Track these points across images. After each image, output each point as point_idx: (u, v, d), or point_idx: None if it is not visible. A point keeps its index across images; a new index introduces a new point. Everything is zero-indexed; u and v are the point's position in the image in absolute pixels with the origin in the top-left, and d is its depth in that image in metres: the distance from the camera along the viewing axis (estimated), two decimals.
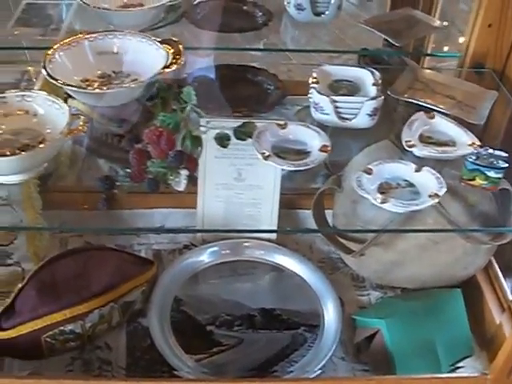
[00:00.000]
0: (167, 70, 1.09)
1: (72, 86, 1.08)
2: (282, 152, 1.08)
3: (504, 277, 1.18)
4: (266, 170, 1.19)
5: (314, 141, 1.09)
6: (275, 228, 1.26)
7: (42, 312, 1.05)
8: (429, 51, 1.55)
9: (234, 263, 1.24)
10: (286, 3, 1.43)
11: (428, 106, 1.17)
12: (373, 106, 1.14)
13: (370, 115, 1.15)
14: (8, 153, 1.01)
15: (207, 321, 1.14)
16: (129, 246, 1.27)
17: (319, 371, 1.07)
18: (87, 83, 1.13)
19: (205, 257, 1.23)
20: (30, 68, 1.43)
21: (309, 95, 1.18)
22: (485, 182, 1.01)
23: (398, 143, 1.14)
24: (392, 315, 1.11)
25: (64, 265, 1.12)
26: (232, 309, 1.16)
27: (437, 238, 1.10)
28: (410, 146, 1.07)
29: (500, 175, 1.00)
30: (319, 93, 1.15)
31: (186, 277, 1.21)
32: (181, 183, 0.99)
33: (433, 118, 1.14)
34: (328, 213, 1.18)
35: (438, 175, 1.02)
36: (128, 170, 0.99)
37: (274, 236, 1.26)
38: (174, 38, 1.16)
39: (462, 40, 1.31)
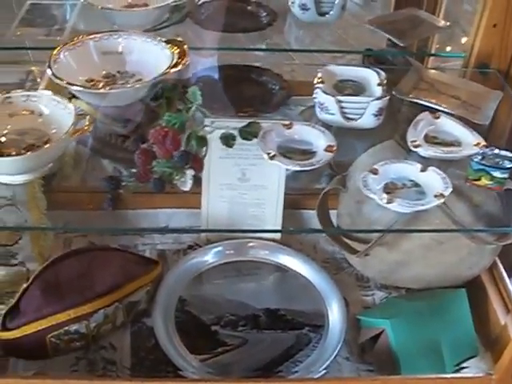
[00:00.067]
0: (172, 70, 1.09)
1: (76, 85, 1.09)
2: (287, 152, 1.08)
3: (509, 277, 1.18)
4: (270, 170, 1.19)
5: (319, 141, 1.09)
6: (279, 228, 1.25)
7: (46, 312, 1.05)
8: (433, 51, 1.55)
9: (238, 263, 1.24)
10: (290, 3, 1.43)
11: (433, 106, 1.17)
12: (378, 106, 1.14)
13: (375, 115, 1.15)
14: (13, 153, 1.01)
15: (212, 321, 1.14)
16: (133, 246, 1.27)
17: (324, 371, 1.07)
18: (92, 83, 1.13)
19: (209, 257, 1.23)
20: (33, 68, 1.43)
21: (314, 95, 1.18)
22: (490, 182, 1.01)
23: (402, 143, 1.14)
24: (397, 315, 1.10)
25: (68, 265, 1.12)
26: (236, 309, 1.16)
27: (441, 238, 1.10)
28: (416, 146, 1.07)
29: (506, 175, 1.01)
30: (324, 93, 1.15)
31: (191, 277, 1.21)
32: (186, 183, 0.99)
33: (438, 118, 1.14)
34: (332, 213, 1.18)
35: (444, 175, 1.02)
36: (134, 170, 0.98)
37: (278, 236, 1.26)
38: (178, 38, 1.16)
39: (466, 40, 1.31)
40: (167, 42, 1.16)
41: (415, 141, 1.08)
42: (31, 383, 1.03)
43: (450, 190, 1.00)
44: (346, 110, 1.15)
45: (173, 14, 1.35)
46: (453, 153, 1.08)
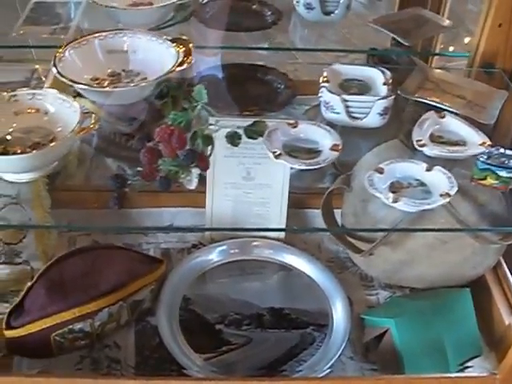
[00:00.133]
0: (178, 69, 1.09)
1: (82, 84, 1.08)
2: (293, 151, 1.08)
3: None
4: (274, 169, 1.20)
5: (325, 140, 1.09)
6: (284, 227, 1.25)
7: (51, 310, 1.05)
8: (437, 51, 1.55)
9: (242, 262, 1.24)
10: (295, 2, 1.43)
11: (438, 105, 1.17)
12: (384, 106, 1.14)
13: (380, 114, 1.15)
14: (19, 151, 1.01)
15: (216, 320, 1.14)
16: (137, 244, 1.27)
17: (328, 370, 1.07)
18: (97, 82, 1.13)
19: (213, 256, 1.23)
20: (37, 66, 1.43)
21: (319, 94, 1.18)
22: (496, 182, 1.01)
23: (407, 143, 1.14)
24: (401, 315, 1.10)
25: (73, 263, 1.12)
26: (241, 308, 1.16)
27: (445, 238, 1.10)
28: (421, 146, 1.07)
29: (511, 175, 1.00)
30: (330, 92, 1.15)
31: (195, 276, 1.20)
32: (192, 182, 0.99)
33: (443, 117, 1.14)
34: (336, 212, 1.18)
35: (450, 174, 1.02)
36: (139, 169, 0.98)
37: (282, 235, 1.26)
38: (184, 37, 1.16)
39: (471, 40, 1.31)
40: (172, 40, 1.16)
41: (421, 140, 1.08)
42: (35, 382, 1.03)
43: (456, 189, 1.00)
44: (351, 109, 1.15)
45: (177, 13, 1.36)
46: (458, 152, 1.08)
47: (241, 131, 1.05)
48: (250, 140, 1.08)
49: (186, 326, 1.13)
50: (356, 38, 1.58)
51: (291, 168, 1.16)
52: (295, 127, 1.11)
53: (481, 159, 1.01)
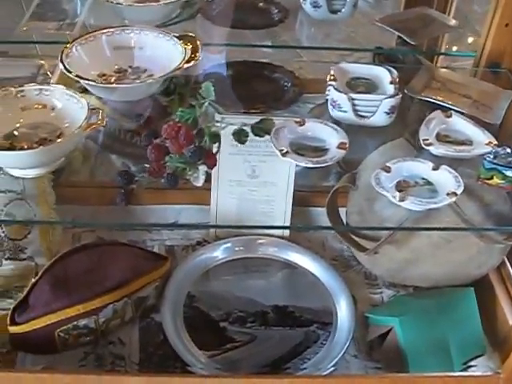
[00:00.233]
0: (186, 66, 1.09)
1: (89, 80, 1.08)
2: (300, 149, 1.08)
3: None
4: (279, 167, 1.20)
5: (332, 138, 1.09)
6: (288, 225, 1.25)
7: (55, 307, 1.05)
8: (442, 50, 1.55)
9: (246, 260, 1.24)
10: (301, 0, 1.43)
11: (445, 104, 1.17)
12: (390, 104, 1.14)
13: (387, 113, 1.15)
14: (25, 146, 1.01)
15: (220, 317, 1.15)
16: (141, 241, 1.27)
17: (332, 368, 1.07)
18: (104, 78, 1.13)
19: (218, 253, 1.23)
20: (41, 62, 1.42)
21: (326, 92, 1.18)
22: (502, 182, 1.01)
23: (412, 141, 1.14)
24: (405, 313, 1.11)
25: (77, 260, 1.12)
26: (245, 305, 1.17)
27: (450, 237, 1.10)
28: (428, 145, 1.07)
29: None
30: (337, 90, 1.15)
31: (199, 273, 1.21)
32: (199, 179, 0.99)
33: (450, 116, 1.14)
34: (341, 210, 1.18)
35: (456, 174, 1.02)
36: (146, 165, 0.98)
37: (286, 233, 1.26)
38: (191, 34, 1.16)
39: (477, 40, 1.31)
40: (179, 37, 1.16)
41: (427, 139, 1.08)
42: (39, 377, 1.03)
43: (462, 188, 1.00)
44: (358, 108, 1.15)
45: (184, 10, 1.35)
46: (464, 151, 1.08)
47: (247, 129, 1.05)
48: (255, 138, 1.08)
49: (190, 323, 1.13)
50: (361, 37, 1.58)
51: (296, 166, 1.16)
52: (302, 125, 1.11)
53: (487, 159, 1.01)
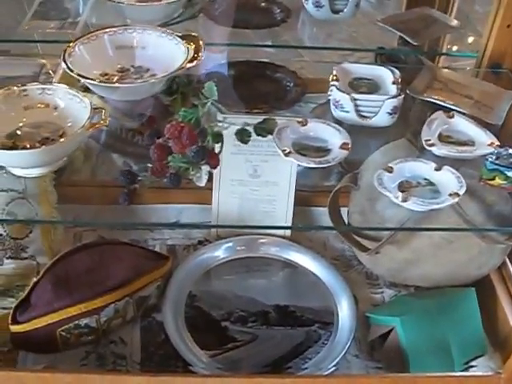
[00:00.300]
0: (188, 65, 1.09)
1: (90, 79, 1.08)
2: (302, 149, 1.08)
3: None
4: (281, 166, 1.20)
5: (334, 138, 1.09)
6: (290, 225, 1.25)
7: (57, 306, 1.04)
8: (444, 51, 1.55)
9: (248, 259, 1.24)
10: (304, 0, 1.43)
11: (446, 105, 1.18)
12: (393, 105, 1.14)
13: (390, 114, 1.15)
14: (28, 146, 1.01)
15: (222, 316, 1.14)
16: (143, 241, 1.27)
17: (333, 368, 1.07)
18: (106, 77, 1.13)
19: (220, 253, 1.23)
20: (43, 61, 1.42)
21: (329, 92, 1.18)
22: (504, 182, 1.02)
23: (414, 142, 1.15)
24: (406, 313, 1.11)
25: (79, 259, 1.12)
26: (246, 305, 1.16)
27: (451, 237, 1.11)
28: (430, 145, 1.08)
29: None
30: (340, 90, 1.15)
31: (201, 272, 1.20)
32: (202, 179, 0.99)
33: (452, 117, 1.14)
34: (343, 210, 1.19)
35: (458, 174, 1.02)
36: (149, 165, 0.98)
37: (288, 233, 1.26)
38: (194, 34, 1.16)
39: (478, 40, 1.31)
40: (182, 37, 1.16)
41: (429, 140, 1.09)
42: (41, 377, 1.02)
43: (465, 189, 1.00)
44: (360, 108, 1.15)
45: (186, 9, 1.35)
46: (467, 152, 1.08)
47: (250, 128, 1.05)
48: (257, 137, 1.08)
49: (191, 322, 1.13)
50: (363, 37, 1.58)
51: (298, 166, 1.16)
52: (305, 125, 1.11)
53: (489, 159, 1.02)
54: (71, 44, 1.12)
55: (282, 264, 1.24)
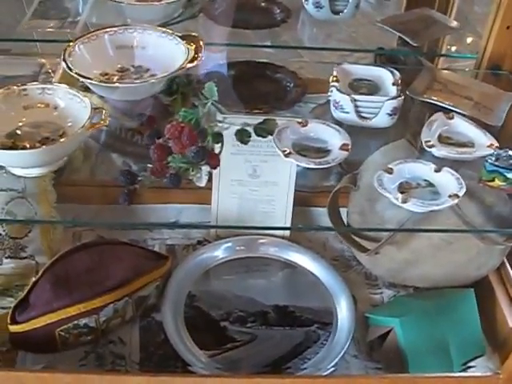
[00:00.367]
0: (189, 66, 1.09)
1: (90, 78, 1.08)
2: (302, 150, 1.08)
3: None
4: (280, 166, 1.20)
5: (334, 139, 1.09)
6: (289, 225, 1.26)
7: (56, 306, 1.04)
8: (443, 51, 1.55)
9: (247, 259, 1.24)
10: (304, 1, 1.43)
11: (446, 106, 1.18)
12: (393, 106, 1.14)
13: (389, 115, 1.15)
14: (28, 145, 1.01)
15: (221, 317, 1.14)
16: (142, 240, 1.27)
17: (332, 369, 1.07)
18: (106, 77, 1.13)
19: (219, 253, 1.23)
20: (43, 60, 1.42)
21: (329, 93, 1.18)
22: (504, 184, 1.02)
23: (414, 143, 1.15)
24: (405, 314, 1.11)
25: (78, 259, 1.12)
26: (246, 305, 1.17)
27: (451, 238, 1.11)
28: (430, 147, 1.08)
29: None
30: (340, 91, 1.15)
31: (200, 272, 1.20)
32: (202, 179, 0.99)
33: (452, 118, 1.14)
34: (342, 211, 1.18)
35: (458, 175, 1.02)
36: (149, 165, 0.98)
37: (287, 233, 1.26)
38: (194, 34, 1.16)
39: (478, 41, 1.31)
40: (182, 37, 1.15)
41: (429, 141, 1.09)
42: (40, 377, 1.02)
43: (464, 190, 1.00)
44: (360, 109, 1.15)
45: (186, 9, 1.35)
46: (466, 153, 1.08)
47: (250, 129, 1.05)
48: (257, 138, 1.08)
49: (190, 322, 1.13)
50: (362, 38, 1.58)
51: (297, 166, 1.16)
52: (305, 126, 1.11)
53: (489, 161, 1.02)
54: (71, 43, 1.12)
55: (282, 264, 1.24)
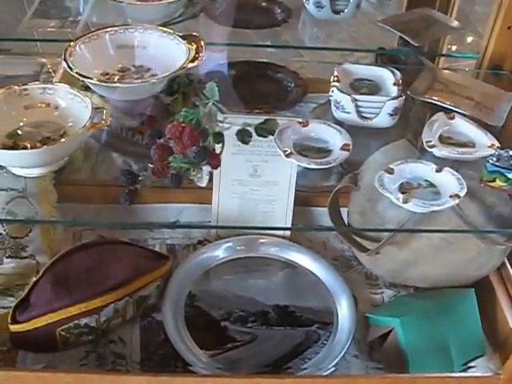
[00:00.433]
0: (190, 65, 1.09)
1: (91, 78, 1.08)
2: (303, 150, 1.08)
3: None
4: (281, 166, 1.20)
5: (335, 139, 1.09)
6: (289, 225, 1.25)
7: (57, 305, 1.04)
8: (444, 51, 1.55)
9: (247, 259, 1.24)
10: (305, 0, 1.43)
11: (447, 106, 1.18)
12: (394, 106, 1.14)
13: (390, 115, 1.15)
14: (29, 145, 1.01)
15: (221, 316, 1.14)
16: (143, 240, 1.27)
17: (333, 369, 1.07)
18: (107, 77, 1.13)
19: (219, 252, 1.23)
20: (44, 60, 1.42)
21: (330, 93, 1.18)
22: (505, 184, 1.02)
23: (414, 143, 1.15)
24: (406, 314, 1.11)
25: (79, 259, 1.12)
26: (246, 305, 1.16)
27: (451, 238, 1.11)
28: (431, 147, 1.08)
29: None
30: (341, 91, 1.15)
31: (201, 272, 1.20)
32: (203, 179, 0.99)
33: (453, 118, 1.14)
34: (342, 210, 1.18)
35: (459, 176, 1.03)
36: (150, 165, 0.98)
37: (288, 233, 1.26)
38: (195, 34, 1.16)
39: (479, 41, 1.31)
40: (183, 37, 1.15)
41: (430, 141, 1.09)
42: (40, 376, 1.02)
43: (465, 190, 1.00)
44: (361, 109, 1.15)
45: (187, 9, 1.35)
46: (467, 154, 1.08)
47: (251, 129, 1.05)
48: (258, 138, 1.08)
49: (191, 322, 1.13)
50: (363, 38, 1.58)
51: (298, 166, 1.16)
52: (306, 126, 1.11)
53: (490, 161, 1.02)
54: (72, 43, 1.12)
55: (282, 264, 1.24)
